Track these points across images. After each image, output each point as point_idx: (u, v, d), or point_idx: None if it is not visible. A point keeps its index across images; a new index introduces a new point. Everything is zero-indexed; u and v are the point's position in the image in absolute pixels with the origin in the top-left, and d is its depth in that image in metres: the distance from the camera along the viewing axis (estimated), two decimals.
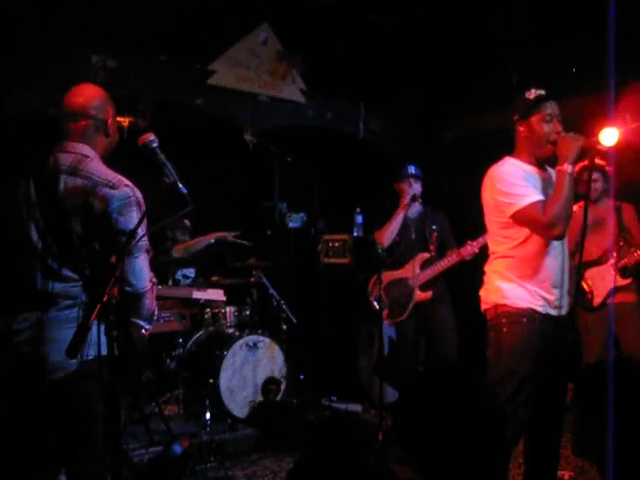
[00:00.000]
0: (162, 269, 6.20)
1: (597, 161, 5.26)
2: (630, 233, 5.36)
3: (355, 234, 6.77)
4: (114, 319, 2.43)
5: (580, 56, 6.25)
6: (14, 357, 2.69)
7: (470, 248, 5.47)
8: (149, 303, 2.75)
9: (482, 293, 3.63)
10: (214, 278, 6.27)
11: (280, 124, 6.69)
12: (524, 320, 3.39)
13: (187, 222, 6.36)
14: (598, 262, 5.34)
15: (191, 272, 6.53)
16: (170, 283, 6.21)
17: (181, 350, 5.76)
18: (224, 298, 5.87)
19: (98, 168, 2.69)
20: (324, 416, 5.67)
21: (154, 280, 2.80)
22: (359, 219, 6.88)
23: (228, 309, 6.03)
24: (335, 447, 1.57)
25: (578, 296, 5.33)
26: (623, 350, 5.20)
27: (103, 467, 2.68)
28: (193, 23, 5.65)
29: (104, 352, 2.47)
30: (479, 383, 1.77)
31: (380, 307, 5.42)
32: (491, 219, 3.53)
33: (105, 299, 2.16)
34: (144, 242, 2.68)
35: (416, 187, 5.80)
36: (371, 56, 6.65)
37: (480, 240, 5.26)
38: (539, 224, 3.31)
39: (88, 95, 2.84)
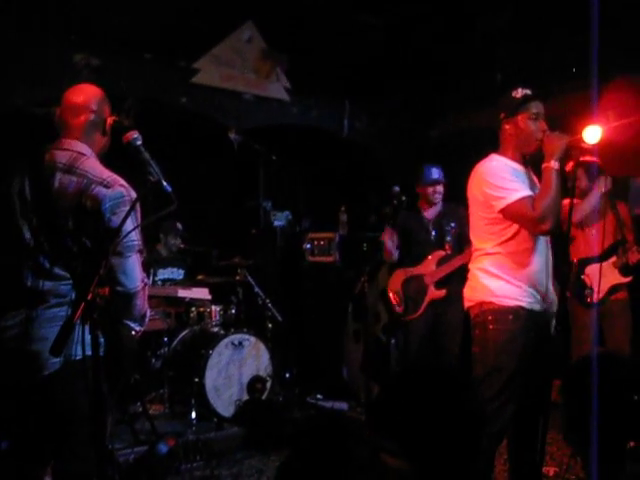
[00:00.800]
0: (147, 269, 6.21)
1: (583, 158, 5.31)
2: (626, 229, 5.38)
3: (340, 232, 6.77)
4: (100, 318, 2.42)
5: (563, 54, 6.29)
6: (1, 354, 2.68)
7: None
8: (140, 304, 2.73)
9: (466, 291, 3.65)
10: (199, 277, 6.27)
11: (265, 123, 6.70)
12: (510, 317, 3.41)
13: (179, 225, 6.36)
14: (597, 259, 5.33)
15: (180, 274, 6.53)
16: (155, 283, 6.21)
17: (166, 349, 5.75)
18: (209, 297, 5.87)
19: (94, 166, 2.69)
20: (315, 414, 5.66)
21: (146, 281, 2.79)
22: (344, 217, 6.88)
23: (213, 308, 6.01)
24: (328, 439, 1.58)
25: (578, 291, 5.36)
26: (608, 345, 5.23)
27: (88, 468, 2.67)
28: (177, 21, 5.64)
29: (90, 352, 2.47)
30: (455, 379, 1.78)
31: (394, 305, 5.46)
32: (478, 215, 3.55)
33: (89, 297, 2.15)
34: (136, 242, 2.67)
35: (439, 191, 5.69)
36: (356, 54, 6.65)
37: None
38: (529, 219, 3.34)
39: (90, 92, 2.85)
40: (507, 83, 6.92)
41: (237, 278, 6.15)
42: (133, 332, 2.79)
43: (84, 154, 2.72)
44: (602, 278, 5.25)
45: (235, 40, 6.27)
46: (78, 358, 2.57)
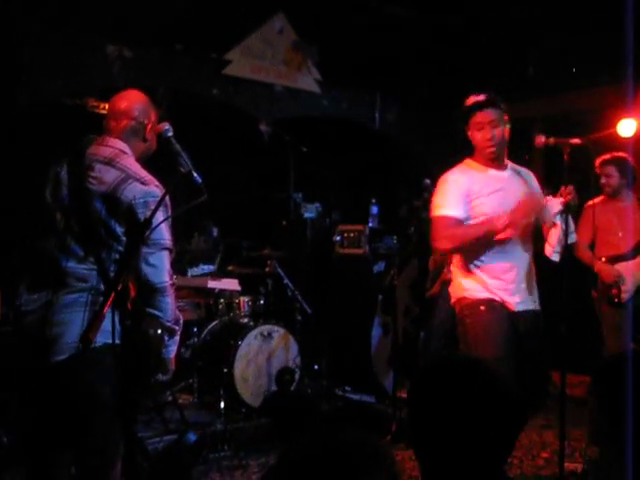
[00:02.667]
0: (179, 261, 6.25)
1: (615, 154, 5.25)
2: None
3: (370, 224, 6.75)
4: (129, 310, 2.46)
5: (598, 47, 6.21)
6: (22, 337, 2.78)
7: None
8: (171, 302, 2.76)
9: (450, 289, 3.85)
10: (229, 268, 6.29)
11: (295, 114, 6.70)
12: (482, 308, 3.58)
13: (214, 230, 6.37)
14: (626, 257, 5.25)
15: (210, 268, 6.55)
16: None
17: (195, 339, 5.78)
18: (239, 288, 5.88)
19: (133, 164, 2.78)
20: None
21: (174, 282, 2.83)
22: (374, 210, 6.86)
23: (242, 299, 6.03)
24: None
25: (605, 291, 5.28)
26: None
27: (105, 461, 2.72)
28: (209, 13, 5.65)
29: (112, 341, 2.52)
30: (491, 371, 1.76)
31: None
32: None
33: (119, 288, 2.17)
34: (166, 241, 2.73)
35: None
36: (387, 46, 6.62)
37: None
38: (434, 236, 3.64)
39: (133, 99, 2.94)
40: (539, 76, 6.87)
41: (267, 269, 6.16)
42: (159, 331, 2.81)
43: (125, 152, 2.80)
44: (630, 277, 5.18)
45: (266, 32, 6.28)
46: (97, 345, 2.58)
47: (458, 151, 7.39)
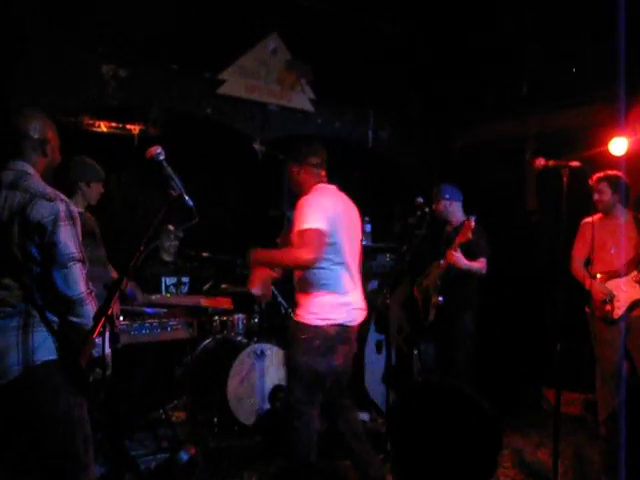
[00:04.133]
0: (155, 279, 6.26)
1: (608, 172, 5.29)
2: None
3: (364, 242, 6.76)
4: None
5: (590, 65, 6.26)
6: None
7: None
8: (89, 309, 2.81)
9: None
10: (223, 286, 6.29)
11: (289, 133, 6.73)
12: None
13: (170, 227, 6.32)
14: (618, 274, 5.27)
15: (185, 279, 6.55)
16: (164, 291, 6.25)
17: (189, 357, 5.78)
18: (232, 306, 5.89)
19: (37, 182, 2.85)
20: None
21: (92, 289, 2.89)
22: (367, 227, 6.88)
23: (236, 317, 6.04)
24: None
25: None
26: (635, 364, 5.16)
27: (74, 477, 2.78)
28: (203, 33, 5.70)
29: (52, 357, 2.71)
30: (470, 396, 1.78)
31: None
32: None
33: (110, 312, 2.19)
34: (75, 254, 2.80)
35: (453, 209, 5.76)
36: (379, 64, 6.67)
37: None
38: None
39: (28, 119, 2.99)
40: (532, 93, 6.92)
41: None
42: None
43: (28, 172, 2.87)
44: (623, 294, 5.20)
45: (260, 51, 6.32)
46: (37, 363, 2.72)
47: (451, 168, 7.47)
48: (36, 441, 2.82)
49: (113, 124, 6.42)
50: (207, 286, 6.34)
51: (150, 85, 5.88)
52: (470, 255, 5.39)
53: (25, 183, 2.80)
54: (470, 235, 5.15)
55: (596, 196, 5.32)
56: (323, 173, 4.27)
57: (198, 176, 5.00)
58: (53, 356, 2.78)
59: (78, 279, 2.78)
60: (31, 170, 2.89)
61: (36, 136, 2.94)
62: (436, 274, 5.58)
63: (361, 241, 4.40)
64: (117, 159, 6.40)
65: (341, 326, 4.06)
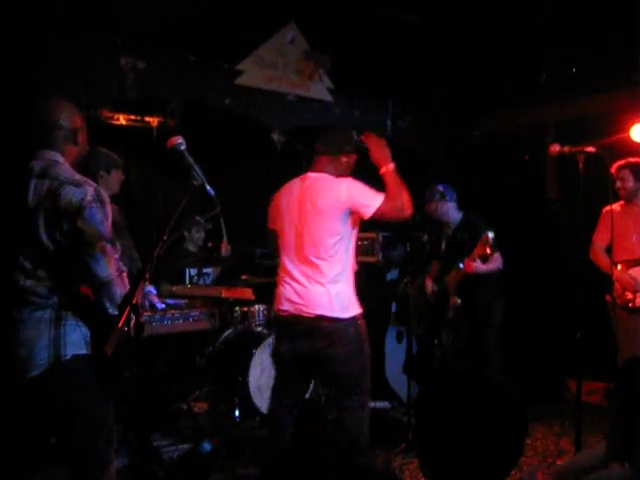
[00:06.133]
0: (179, 269, 6.27)
1: (630, 159, 5.25)
2: None
3: (383, 232, 6.76)
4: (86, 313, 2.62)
5: (610, 52, 6.20)
6: None
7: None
8: (119, 292, 2.82)
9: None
10: (243, 277, 6.30)
11: (307, 123, 6.71)
12: None
13: (200, 219, 6.34)
14: None
15: (210, 268, 6.56)
16: (187, 283, 6.27)
17: (210, 348, 5.79)
18: (253, 297, 5.90)
19: (66, 170, 2.86)
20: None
21: (123, 269, 2.90)
22: None
23: (257, 307, 6.05)
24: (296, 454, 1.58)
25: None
26: None
27: (97, 471, 2.80)
28: (221, 23, 5.68)
29: (83, 351, 2.71)
30: (496, 382, 1.77)
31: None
32: None
33: (135, 301, 2.20)
34: (104, 234, 2.80)
35: (445, 209, 5.75)
36: (398, 53, 6.63)
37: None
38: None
39: (57, 108, 3.00)
40: (551, 81, 6.86)
41: None
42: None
43: (57, 161, 2.88)
44: None
45: (278, 41, 6.30)
46: (67, 357, 2.73)
47: (471, 157, 7.43)
48: (60, 436, 2.84)
49: (132, 117, 6.44)
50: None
51: (168, 77, 5.87)
52: None
53: (54, 171, 2.81)
54: (489, 251, 5.10)
55: (618, 184, 5.29)
56: None
57: (217, 167, 4.99)
58: (84, 350, 2.79)
59: (108, 260, 2.78)
60: (61, 159, 2.89)
61: (67, 125, 2.94)
62: (455, 277, 5.55)
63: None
64: (137, 152, 6.43)
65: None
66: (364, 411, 3.97)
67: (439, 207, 5.71)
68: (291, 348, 3.99)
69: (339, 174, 3.98)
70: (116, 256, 2.83)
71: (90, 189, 2.78)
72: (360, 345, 3.93)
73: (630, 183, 5.26)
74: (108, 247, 2.80)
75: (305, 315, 3.89)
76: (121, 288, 2.82)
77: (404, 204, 3.84)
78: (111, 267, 2.80)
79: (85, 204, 2.73)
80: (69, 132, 2.94)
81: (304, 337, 3.91)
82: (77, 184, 2.77)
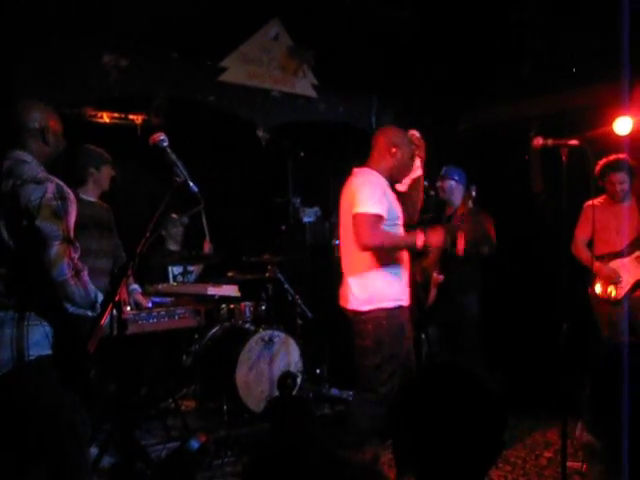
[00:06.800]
0: (162, 268, 6.25)
1: (620, 158, 5.27)
2: None
3: None
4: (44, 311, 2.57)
5: (594, 45, 6.22)
6: None
7: None
8: (76, 291, 2.80)
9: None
10: (229, 274, 6.30)
11: (292, 119, 6.71)
12: None
13: (174, 215, 6.30)
14: (621, 254, 5.29)
15: (192, 269, 6.54)
16: (171, 280, 6.25)
17: (197, 346, 5.80)
18: (239, 294, 5.90)
19: (31, 169, 2.86)
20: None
21: (80, 268, 2.85)
22: None
23: (243, 304, 6.05)
24: (278, 450, 1.58)
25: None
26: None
27: (69, 467, 2.79)
28: (204, 20, 5.66)
29: (47, 352, 2.70)
30: (473, 375, 1.78)
31: None
32: None
33: (117, 299, 2.19)
34: (59, 232, 2.78)
35: (456, 191, 5.74)
36: (382, 49, 6.64)
37: None
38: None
39: (27, 108, 3.02)
40: (535, 75, 6.88)
41: (267, 275, 6.18)
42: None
43: (24, 160, 2.89)
44: (626, 274, 5.22)
45: (262, 37, 6.29)
46: (31, 358, 2.72)
47: (455, 152, 7.44)
48: (28, 437, 2.83)
49: (115, 114, 6.41)
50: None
51: (152, 74, 5.85)
52: (475, 239, 5.38)
53: (19, 170, 2.82)
54: (471, 204, 5.13)
55: (617, 187, 5.31)
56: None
57: (202, 164, 4.98)
58: (47, 351, 2.78)
59: (61, 259, 2.76)
60: (29, 158, 2.90)
61: (36, 126, 2.96)
62: (436, 253, 5.56)
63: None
64: (120, 150, 6.40)
65: None
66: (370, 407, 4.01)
67: (452, 187, 5.72)
68: None
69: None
70: (75, 255, 2.80)
71: (51, 186, 2.78)
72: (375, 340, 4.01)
73: (627, 185, 5.31)
74: (64, 246, 2.78)
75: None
76: (79, 287, 2.80)
77: (366, 243, 3.91)
78: (65, 266, 2.78)
79: (44, 202, 2.73)
80: (37, 132, 2.96)
81: None
82: (38, 182, 2.78)
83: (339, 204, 4.27)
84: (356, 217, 3.91)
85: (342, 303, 4.25)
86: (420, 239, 3.93)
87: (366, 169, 4.17)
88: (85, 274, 2.84)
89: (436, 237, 4.00)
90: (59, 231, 2.76)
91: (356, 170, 4.22)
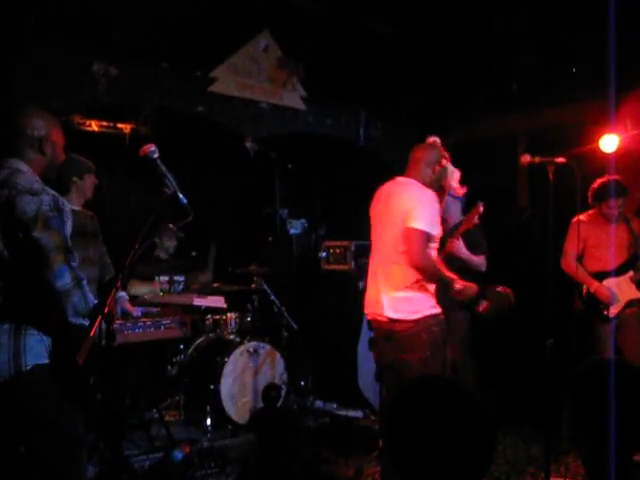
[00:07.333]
0: (151, 276, 6.23)
1: (613, 181, 5.31)
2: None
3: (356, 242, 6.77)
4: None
5: (581, 62, 6.28)
6: None
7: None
8: (77, 301, 2.78)
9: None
10: (215, 285, 6.29)
11: (281, 131, 6.72)
12: None
13: (172, 226, 6.29)
14: (612, 273, 5.32)
15: (180, 278, 6.52)
16: (158, 290, 6.22)
17: (182, 356, 5.78)
18: (225, 305, 5.89)
19: (26, 179, 2.82)
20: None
21: (80, 277, 2.83)
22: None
23: (229, 315, 6.05)
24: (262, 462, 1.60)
25: (592, 305, 5.33)
26: (625, 357, 5.20)
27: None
28: (195, 31, 5.68)
29: (44, 361, 2.67)
30: (467, 395, 1.79)
31: None
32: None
33: (106, 310, 2.19)
34: (58, 243, 2.75)
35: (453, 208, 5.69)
36: (371, 63, 6.67)
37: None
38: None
39: (27, 116, 2.98)
40: (522, 91, 6.93)
41: (253, 286, 6.18)
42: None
43: (20, 170, 2.85)
44: (619, 292, 5.26)
45: (251, 49, 6.30)
46: (28, 368, 2.70)
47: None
48: (28, 446, 2.80)
49: (104, 123, 6.41)
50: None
51: (141, 83, 5.85)
52: (468, 249, 5.36)
53: (14, 180, 2.78)
54: (477, 221, 5.10)
55: (615, 212, 5.34)
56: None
57: (190, 175, 4.98)
58: (44, 360, 2.75)
59: (63, 269, 2.74)
60: (25, 168, 2.87)
61: (34, 134, 2.91)
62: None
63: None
64: (108, 158, 6.39)
65: None
66: None
67: (448, 204, 5.67)
68: None
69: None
70: (74, 264, 2.79)
71: (47, 198, 2.76)
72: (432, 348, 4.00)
73: (623, 207, 5.35)
74: (64, 256, 2.76)
75: None
76: (81, 296, 2.79)
77: (417, 262, 3.90)
78: (68, 275, 2.76)
79: (40, 214, 2.71)
80: (34, 141, 2.92)
81: None
82: (34, 193, 2.75)
83: (373, 208, 4.29)
84: (414, 232, 3.87)
85: (377, 312, 4.09)
86: (457, 287, 3.99)
87: (416, 182, 4.13)
88: (85, 283, 2.83)
89: (469, 292, 4.08)
90: (58, 241, 2.74)
91: (403, 180, 4.18)
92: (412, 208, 3.93)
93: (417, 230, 3.86)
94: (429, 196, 4.03)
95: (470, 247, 5.34)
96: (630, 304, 5.28)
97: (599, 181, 5.38)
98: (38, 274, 2.71)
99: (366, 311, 4.23)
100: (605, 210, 5.36)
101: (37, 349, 2.73)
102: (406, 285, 3.95)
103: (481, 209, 5.08)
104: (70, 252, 2.80)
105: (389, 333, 3.99)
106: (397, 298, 3.97)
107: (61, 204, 2.80)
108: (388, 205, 4.10)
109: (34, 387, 2.72)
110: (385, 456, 4.05)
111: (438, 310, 4.02)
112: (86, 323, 2.82)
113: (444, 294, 5.48)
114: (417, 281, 3.94)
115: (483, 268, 5.46)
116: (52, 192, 2.82)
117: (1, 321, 2.74)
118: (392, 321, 3.96)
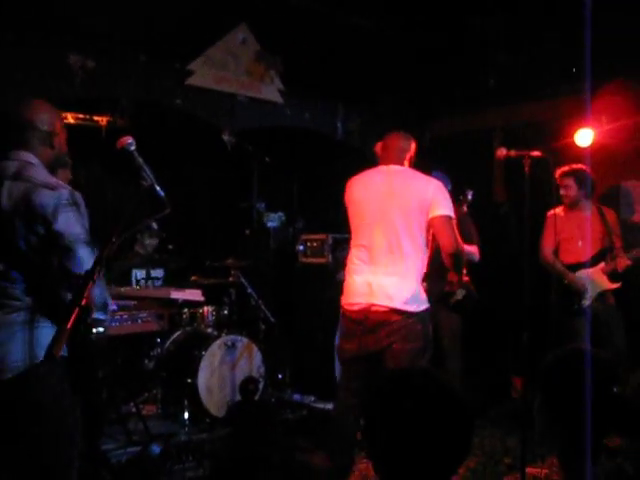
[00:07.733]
0: (125, 272, 6.20)
1: (573, 166, 5.37)
2: (614, 235, 5.43)
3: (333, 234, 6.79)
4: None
5: (556, 58, 6.33)
6: None
7: None
8: (97, 292, 2.75)
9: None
10: (192, 278, 6.27)
11: (258, 124, 6.72)
12: None
13: (154, 225, 6.27)
14: (585, 265, 5.37)
15: (159, 272, 6.50)
16: (135, 285, 6.20)
17: (159, 350, 5.76)
18: (202, 298, 5.87)
19: (39, 173, 2.82)
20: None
21: (99, 270, 2.82)
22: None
23: (206, 309, 6.03)
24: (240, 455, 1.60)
25: (563, 298, 5.38)
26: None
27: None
28: (172, 23, 5.66)
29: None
30: (445, 386, 1.80)
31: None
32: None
33: (84, 302, 2.17)
34: (81, 236, 2.76)
35: None
36: (349, 57, 6.67)
37: None
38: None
39: (35, 109, 2.94)
40: (499, 86, 6.98)
41: (230, 279, 6.17)
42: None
43: (31, 163, 2.84)
44: (590, 284, 5.31)
45: (229, 42, 6.29)
46: (41, 360, 2.68)
47: (420, 161, 7.48)
48: (31, 440, 2.77)
49: (80, 115, 6.35)
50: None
51: (118, 76, 5.82)
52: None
53: (28, 173, 2.77)
54: (465, 209, 5.11)
55: (562, 191, 5.41)
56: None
57: (167, 167, 4.96)
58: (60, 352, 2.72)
59: (86, 259, 2.71)
60: (35, 160, 2.84)
61: (45, 128, 2.89)
62: None
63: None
64: (85, 151, 6.33)
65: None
66: None
67: None
68: None
69: None
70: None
71: (65, 192, 2.75)
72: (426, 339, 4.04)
73: (574, 191, 5.40)
74: (85, 247, 2.75)
75: None
76: (99, 288, 2.76)
77: (457, 247, 4.01)
78: (89, 265, 2.74)
79: (60, 208, 2.69)
80: (45, 134, 2.89)
81: None
82: (52, 187, 2.74)
83: (358, 193, 4.36)
84: (445, 220, 3.91)
85: (372, 301, 3.93)
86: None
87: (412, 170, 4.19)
88: (101, 275, 2.82)
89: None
90: (81, 235, 2.74)
91: (398, 168, 4.21)
92: (433, 196, 3.93)
93: (445, 217, 3.91)
94: (440, 182, 4.08)
95: (461, 237, 5.37)
96: (602, 295, 5.34)
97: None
98: (61, 267, 2.70)
99: (353, 300, 4.06)
100: (560, 193, 5.43)
101: (48, 343, 2.69)
102: (416, 277, 3.94)
103: (469, 197, 5.10)
104: (91, 245, 2.79)
105: (380, 323, 3.88)
106: (406, 289, 3.88)
107: (78, 198, 2.79)
108: (395, 194, 4.03)
109: (46, 379, 2.70)
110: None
111: (428, 305, 4.03)
112: (102, 317, 2.83)
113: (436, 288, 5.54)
114: (418, 269, 3.96)
115: (476, 258, 5.49)
116: (68, 187, 2.82)
117: (16, 311, 2.72)
118: (393, 311, 3.85)
